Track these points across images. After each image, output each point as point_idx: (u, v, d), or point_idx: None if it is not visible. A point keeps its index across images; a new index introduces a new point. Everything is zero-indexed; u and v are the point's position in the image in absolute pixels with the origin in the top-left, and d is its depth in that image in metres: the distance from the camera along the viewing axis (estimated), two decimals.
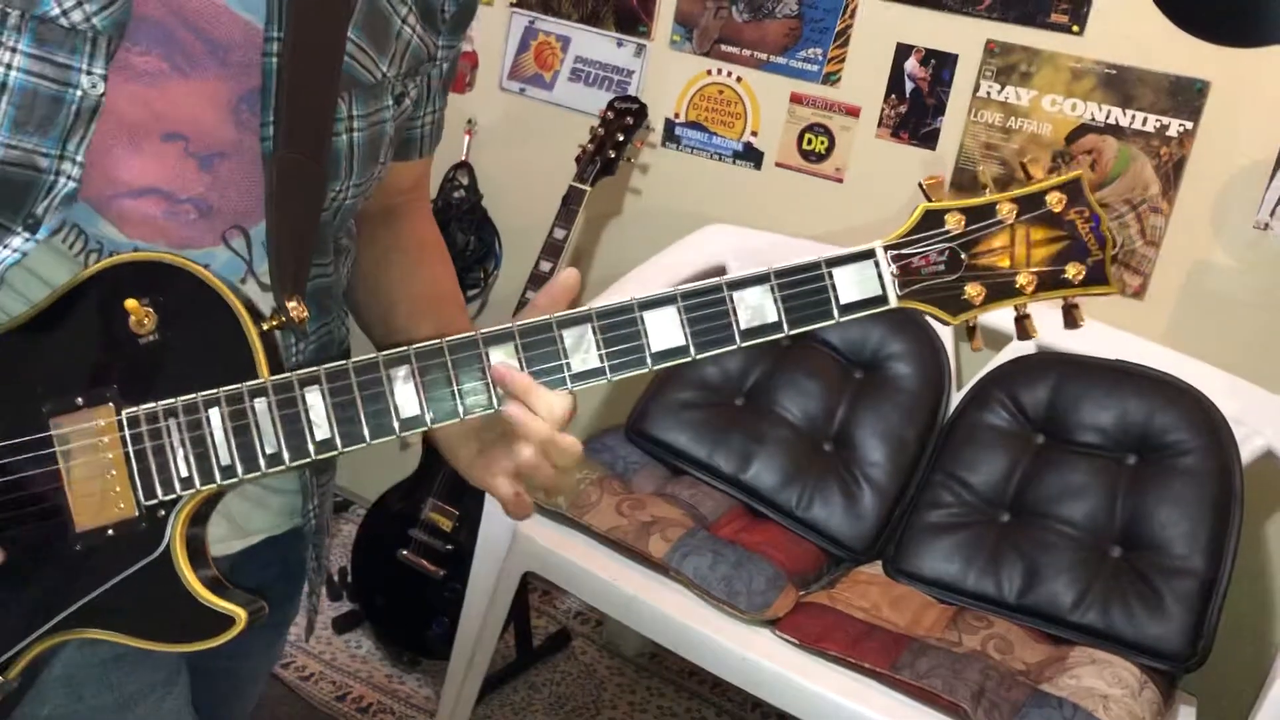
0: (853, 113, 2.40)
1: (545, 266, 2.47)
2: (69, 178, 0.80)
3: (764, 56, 2.48)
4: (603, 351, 0.81)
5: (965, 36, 2.25)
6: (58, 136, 0.79)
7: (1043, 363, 2.13)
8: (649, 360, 0.81)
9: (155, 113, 0.83)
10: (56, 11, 0.77)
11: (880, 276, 0.81)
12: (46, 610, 0.80)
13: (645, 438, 2.24)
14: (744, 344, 0.81)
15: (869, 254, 0.81)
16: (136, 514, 0.80)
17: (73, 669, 0.86)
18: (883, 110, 2.36)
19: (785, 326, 0.81)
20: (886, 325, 2.21)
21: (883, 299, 0.82)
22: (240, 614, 0.81)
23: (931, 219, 0.82)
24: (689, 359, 0.81)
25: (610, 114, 2.52)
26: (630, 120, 2.50)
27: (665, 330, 0.81)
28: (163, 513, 0.80)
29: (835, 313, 0.81)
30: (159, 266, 0.81)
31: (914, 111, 2.33)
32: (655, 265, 2.40)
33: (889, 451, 2.13)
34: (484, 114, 2.85)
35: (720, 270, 2.36)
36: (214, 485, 0.80)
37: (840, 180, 2.44)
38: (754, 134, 2.53)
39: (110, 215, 0.84)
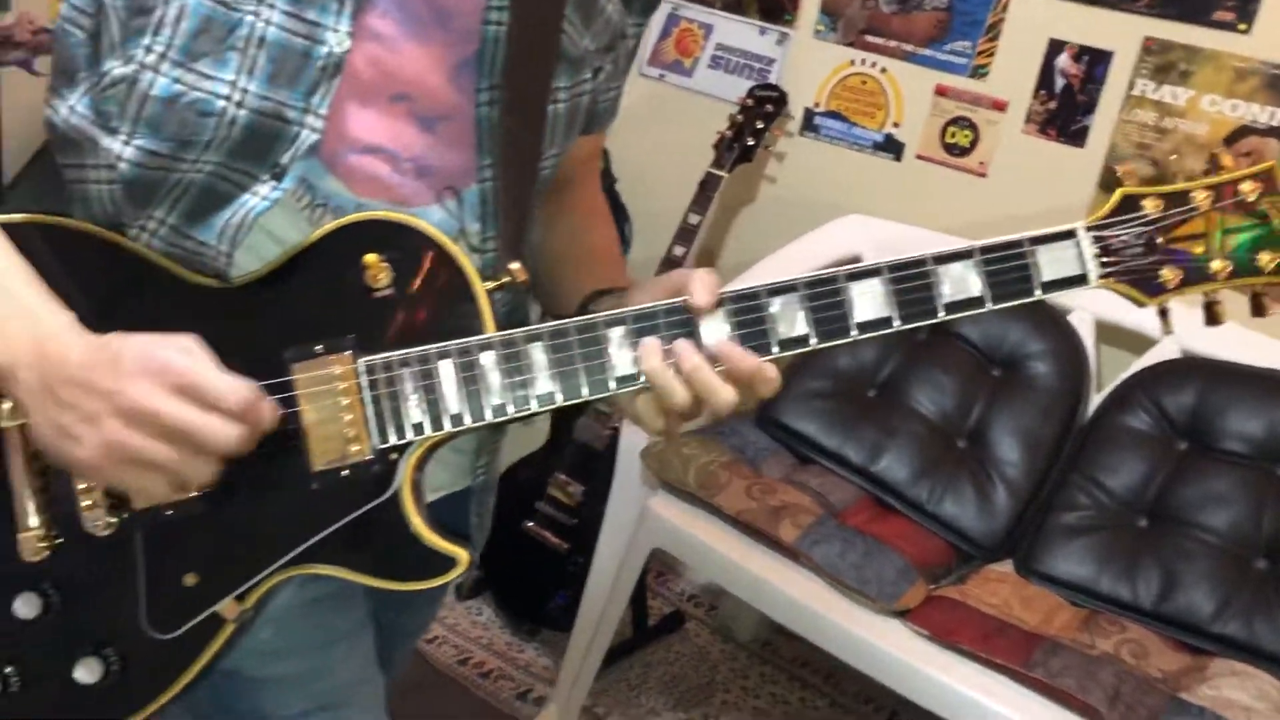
0: (999, 107, 2.37)
1: (678, 251, 2.49)
2: (312, 130, 0.85)
3: (910, 48, 2.47)
4: (810, 320, 0.83)
5: (1122, 33, 2.21)
6: (304, 90, 0.83)
7: (1188, 368, 2.08)
8: (853, 330, 0.83)
9: (386, 73, 0.87)
10: None
11: (1081, 256, 0.83)
12: (285, 544, 0.84)
13: (775, 425, 2.25)
14: (945, 317, 0.83)
15: (1070, 234, 0.83)
16: (371, 457, 0.84)
17: (284, 608, 0.91)
18: (1031, 105, 2.33)
19: (989, 301, 0.83)
20: (1027, 324, 2.19)
21: (1083, 278, 0.83)
22: (463, 555, 0.85)
23: (1129, 203, 0.84)
24: (892, 329, 0.83)
25: (750, 101, 2.53)
26: (770, 108, 2.51)
27: (870, 301, 0.82)
28: (394, 456, 0.84)
29: (1037, 290, 0.83)
30: (394, 225, 0.85)
31: (1063, 108, 2.30)
32: (789, 253, 2.41)
33: (1025, 450, 2.11)
34: (622, 99, 2.88)
35: (856, 261, 2.35)
36: (444, 432, 0.84)
37: (983, 175, 2.41)
38: (895, 125, 2.51)
39: (339, 171, 0.88)
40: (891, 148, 2.53)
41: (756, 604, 2.01)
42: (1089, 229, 0.83)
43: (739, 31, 2.71)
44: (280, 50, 0.82)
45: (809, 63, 2.61)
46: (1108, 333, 2.23)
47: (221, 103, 0.82)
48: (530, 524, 2.48)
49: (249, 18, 0.81)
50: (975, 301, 0.83)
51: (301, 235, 0.87)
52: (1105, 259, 0.83)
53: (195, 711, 0.97)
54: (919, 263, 0.82)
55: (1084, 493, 2.05)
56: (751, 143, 2.48)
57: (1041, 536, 2.03)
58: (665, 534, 2.10)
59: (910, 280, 0.82)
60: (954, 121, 2.43)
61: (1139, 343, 2.17)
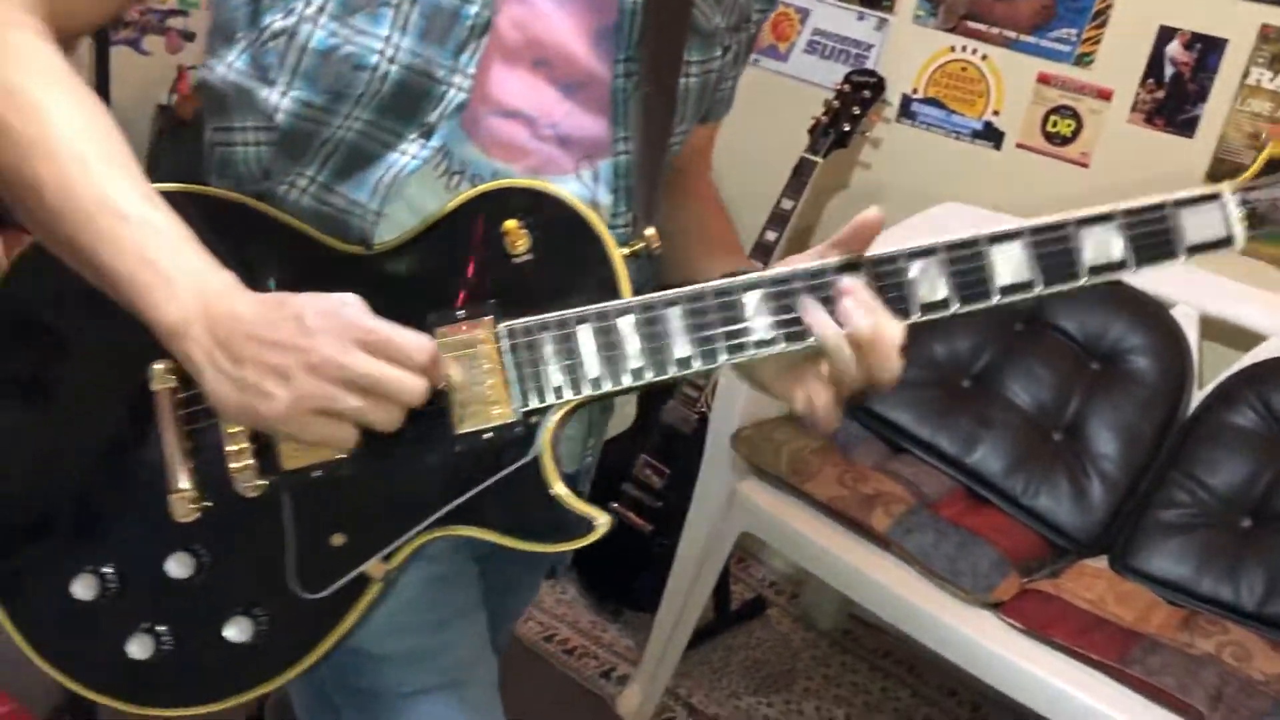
0: (1104, 96, 2.33)
1: (770, 236, 2.48)
2: (459, 89, 0.86)
3: (1013, 34, 2.43)
4: (950, 284, 0.82)
5: (1237, 21, 2.15)
6: (453, 49, 0.85)
7: None
8: (995, 294, 0.82)
9: (529, 38, 0.88)
10: None
11: (1227, 219, 0.81)
12: (430, 505, 0.86)
13: (867, 413, 2.24)
14: (1088, 280, 0.82)
15: (1215, 196, 0.82)
16: (513, 419, 0.85)
17: (403, 586, 0.93)
18: (1138, 94, 2.28)
19: (1133, 264, 0.82)
20: (1129, 318, 2.15)
21: (1229, 240, 0.82)
22: (603, 517, 0.86)
23: (1275, 165, 0.82)
24: (1033, 294, 0.82)
25: (847, 87, 2.51)
26: (867, 94, 2.49)
27: (1012, 264, 0.81)
28: (535, 419, 0.85)
29: (1181, 254, 0.82)
30: (532, 193, 0.86)
31: (1173, 97, 2.24)
32: (885, 240, 2.38)
33: (1123, 445, 2.08)
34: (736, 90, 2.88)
35: None
36: (584, 395, 0.85)
37: (1085, 165, 2.37)
38: (995, 113, 2.48)
39: (479, 136, 0.90)
40: (991, 136, 2.49)
41: (846, 591, 2.01)
42: (1235, 191, 0.82)
43: (836, 16, 2.68)
44: (432, 7, 0.84)
45: (908, 48, 2.58)
46: (1212, 328, 2.18)
47: (375, 57, 0.84)
48: (616, 505, 2.50)
49: None
50: (1118, 265, 0.82)
51: (438, 203, 0.88)
52: (1251, 221, 0.81)
53: (317, 689, 0.99)
54: (1060, 225, 0.82)
55: (1184, 490, 2.01)
56: (847, 129, 2.46)
57: (1139, 533, 2.00)
58: (754, 518, 2.11)
59: (1053, 244, 0.81)
60: (1056, 110, 2.39)
61: (1245, 339, 2.12)
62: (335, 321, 0.76)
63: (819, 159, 2.45)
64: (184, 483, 0.85)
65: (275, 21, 0.84)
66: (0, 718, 1.60)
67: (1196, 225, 0.81)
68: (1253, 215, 0.81)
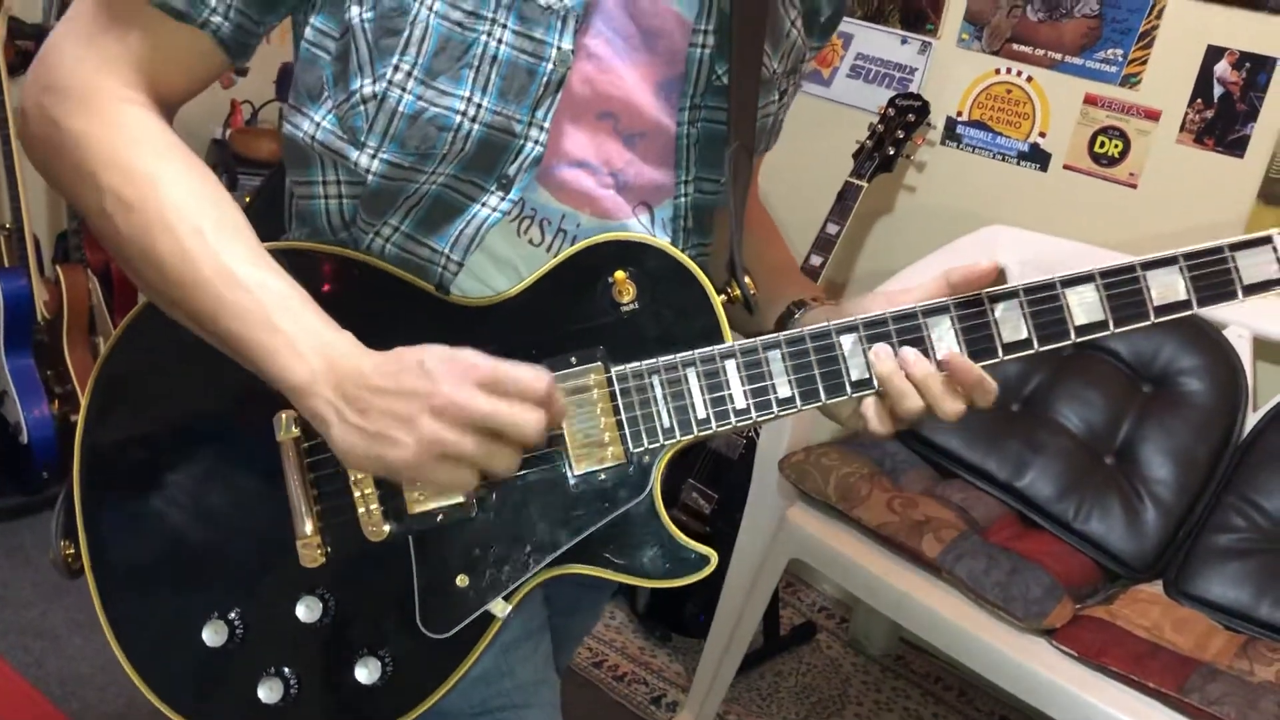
0: (1152, 116, 2.31)
1: (816, 260, 2.49)
2: (536, 142, 0.89)
3: (1058, 56, 2.42)
4: (1030, 325, 0.87)
5: None
6: (529, 105, 0.88)
7: None
8: (1072, 333, 0.87)
9: (597, 91, 0.91)
10: None
11: (1279, 259, 0.85)
12: (549, 545, 0.90)
13: (915, 438, 2.23)
14: (1156, 320, 0.86)
15: (1267, 239, 0.86)
16: (625, 460, 0.89)
17: None
18: (1186, 114, 2.27)
19: (1195, 304, 0.86)
20: (1180, 340, 2.13)
21: None
22: (713, 556, 0.90)
23: None
24: (1107, 333, 0.87)
25: (891, 111, 2.51)
26: (912, 117, 2.49)
27: (1086, 305, 0.86)
28: (647, 459, 0.89)
29: (1240, 292, 0.86)
30: (637, 245, 0.90)
31: (1222, 117, 2.22)
32: (931, 264, 2.38)
33: (1176, 469, 2.05)
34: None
35: (1000, 274, 2.32)
36: (691, 435, 0.89)
37: (1134, 186, 2.35)
38: (1042, 135, 2.47)
39: (549, 183, 0.92)
40: (1037, 157, 2.48)
41: (897, 618, 2.00)
42: None
43: (879, 41, 2.69)
44: (510, 67, 0.87)
45: (952, 71, 2.58)
46: (1266, 349, 2.15)
47: (457, 117, 0.86)
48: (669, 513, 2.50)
49: (483, 37, 0.85)
50: (1183, 305, 0.86)
51: (510, 250, 0.92)
52: None
53: None
54: (1129, 269, 0.86)
55: (1240, 514, 1.98)
56: (892, 152, 2.47)
57: (1194, 558, 1.97)
58: (803, 544, 2.11)
59: (1122, 285, 0.86)
60: (1103, 131, 2.38)
61: None
62: (454, 366, 0.79)
63: (863, 183, 2.46)
64: (310, 529, 0.88)
65: (364, 86, 0.87)
66: None
67: (1252, 266, 0.86)
68: None
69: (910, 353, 0.87)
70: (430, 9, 0.85)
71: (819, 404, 0.89)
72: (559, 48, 0.87)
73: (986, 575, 1.88)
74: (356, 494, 0.89)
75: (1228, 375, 2.10)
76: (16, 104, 2.59)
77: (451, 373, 0.79)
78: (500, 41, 0.86)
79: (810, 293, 1.04)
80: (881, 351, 0.87)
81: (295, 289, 0.84)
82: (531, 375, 0.81)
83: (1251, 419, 2.09)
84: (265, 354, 0.82)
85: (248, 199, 2.98)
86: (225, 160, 2.99)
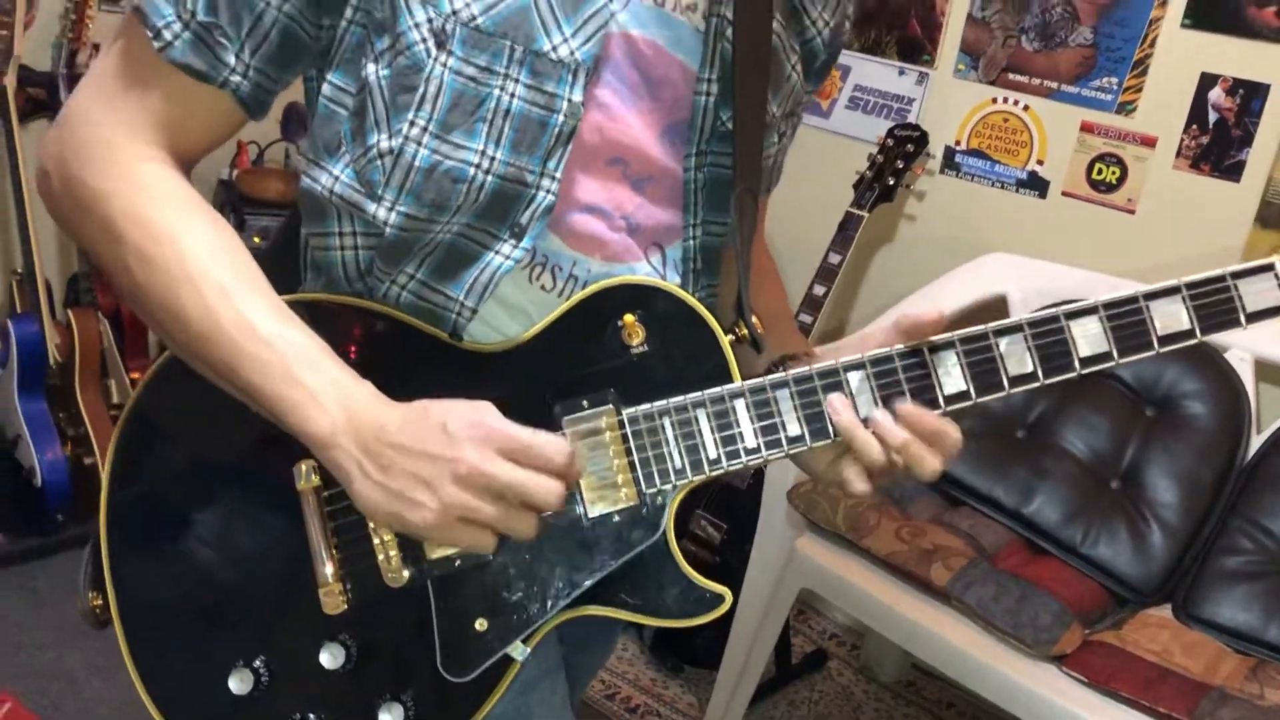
0: (1148, 143, 2.34)
1: (819, 290, 2.51)
2: (548, 191, 0.91)
3: (1054, 85, 2.45)
4: (1035, 357, 0.87)
5: (1278, 65, 2.16)
6: (541, 155, 0.90)
7: None
8: (1077, 365, 0.87)
9: (606, 139, 0.93)
10: (548, 47, 0.88)
11: None
12: (567, 587, 0.91)
13: None
14: (1161, 349, 0.86)
15: (1269, 267, 0.86)
16: (639, 501, 0.90)
17: None
18: (1182, 140, 2.30)
19: (1199, 332, 0.86)
20: (1183, 363, 2.15)
21: None
22: (727, 594, 0.91)
23: None
24: (1112, 364, 0.87)
25: (890, 141, 2.54)
26: (910, 148, 2.52)
27: (1090, 337, 0.87)
28: (660, 500, 0.90)
29: (1243, 320, 0.86)
30: (643, 288, 0.92)
31: (1217, 142, 2.25)
32: (934, 291, 2.41)
33: (1182, 493, 2.07)
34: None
35: (1001, 300, 2.35)
36: (703, 475, 0.90)
37: (1132, 211, 2.38)
38: (1039, 162, 2.50)
39: (560, 229, 0.95)
40: (1036, 185, 2.51)
41: (907, 646, 2.01)
42: None
43: (877, 72, 2.73)
44: (522, 120, 0.89)
45: (949, 101, 2.62)
46: (1268, 372, 2.17)
47: (471, 169, 0.89)
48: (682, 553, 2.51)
49: (496, 91, 0.88)
50: (1187, 334, 0.86)
51: (523, 296, 0.94)
52: None
53: None
54: (1132, 300, 0.87)
55: (1247, 537, 2.00)
56: (892, 182, 2.49)
57: (1202, 581, 1.99)
58: (813, 574, 2.12)
59: (1125, 316, 0.87)
60: (1100, 158, 2.41)
61: None
62: (478, 431, 0.81)
63: (864, 213, 2.49)
64: (332, 576, 0.89)
65: (381, 141, 0.89)
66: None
67: (1255, 293, 0.86)
68: None
69: (880, 415, 0.87)
70: (444, 65, 0.87)
71: (829, 441, 0.90)
72: (570, 100, 0.90)
73: (996, 603, 1.89)
74: (376, 540, 0.90)
75: (1231, 398, 2.12)
76: (27, 149, 2.62)
77: (474, 438, 0.81)
78: (513, 95, 0.88)
79: (799, 348, 1.05)
80: (838, 402, 0.88)
81: (314, 341, 0.86)
82: (553, 446, 0.83)
83: (1255, 441, 2.11)
84: (287, 406, 0.84)
85: (256, 240, 3.00)
86: (232, 200, 3.02)
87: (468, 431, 0.81)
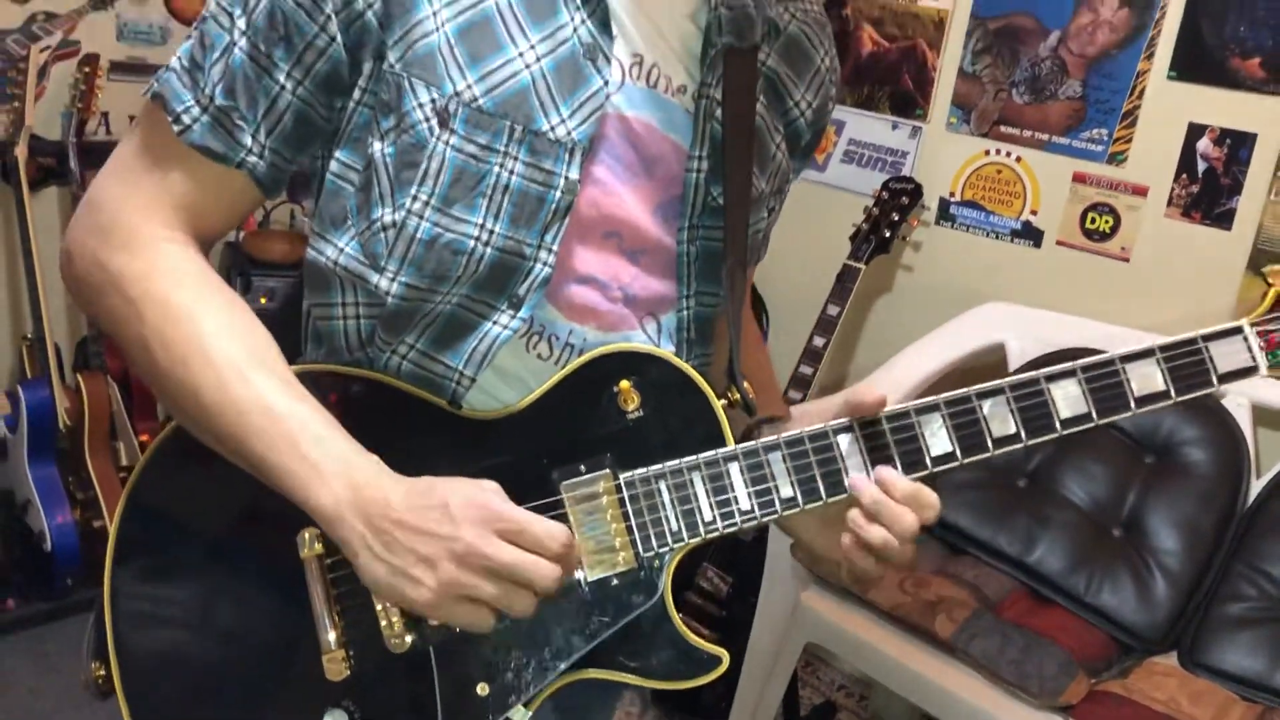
0: (1140, 192, 2.37)
1: (819, 342, 2.54)
2: (545, 264, 0.94)
3: (1045, 137, 2.49)
4: (1017, 419, 0.90)
5: (1265, 115, 2.20)
6: (539, 229, 0.93)
7: None
8: (1058, 426, 0.90)
9: (602, 213, 0.97)
10: (547, 127, 0.92)
11: (1250, 349, 0.89)
12: (566, 651, 0.93)
13: None
14: (1138, 410, 0.89)
15: (1237, 330, 0.89)
16: (637, 565, 0.92)
17: None
18: (1173, 190, 2.33)
19: (1174, 394, 0.89)
20: (1181, 410, 2.16)
21: (1254, 369, 0.89)
22: (725, 656, 0.92)
23: None
24: (1092, 424, 0.89)
25: (885, 194, 2.58)
26: (905, 200, 2.56)
27: (1069, 399, 0.89)
28: (657, 563, 0.92)
29: (1215, 380, 0.89)
30: (637, 355, 0.95)
31: (1207, 191, 2.29)
32: (932, 342, 2.43)
33: (1184, 539, 2.08)
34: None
35: (999, 349, 2.37)
36: (699, 538, 0.92)
37: (1126, 260, 2.41)
38: (1033, 213, 2.53)
39: (557, 300, 0.97)
40: (1030, 234, 2.54)
41: (914, 699, 2.01)
42: (1253, 325, 0.89)
43: (871, 127, 2.77)
44: (521, 195, 0.92)
45: (942, 154, 2.66)
46: (1266, 417, 2.19)
47: (471, 242, 0.92)
48: (679, 614, 2.51)
49: (495, 168, 0.91)
50: (1162, 395, 0.89)
51: (520, 364, 0.96)
52: (1270, 350, 0.89)
53: None
54: (1109, 363, 0.89)
55: (1249, 583, 2.00)
56: (888, 234, 2.53)
57: (1206, 628, 1.99)
58: (818, 628, 2.13)
59: (1103, 379, 0.89)
60: (1093, 207, 2.44)
61: None
62: (479, 512, 0.83)
63: (862, 265, 2.52)
64: (335, 643, 0.91)
65: (385, 214, 0.92)
66: None
67: (1225, 355, 0.89)
68: (1270, 345, 0.89)
69: (858, 479, 0.89)
70: (446, 143, 0.90)
71: (820, 502, 0.91)
72: (567, 177, 0.93)
73: (1001, 654, 1.90)
74: (378, 606, 0.92)
75: (1229, 444, 2.14)
76: (38, 216, 2.67)
77: (474, 518, 0.83)
78: (512, 173, 0.91)
79: (774, 411, 1.07)
80: (860, 483, 0.90)
81: (322, 415, 0.88)
82: (551, 531, 0.85)
83: (1255, 486, 2.12)
84: (294, 481, 0.86)
85: (263, 300, 3.02)
86: (239, 262, 3.06)
87: (468, 511, 0.83)
